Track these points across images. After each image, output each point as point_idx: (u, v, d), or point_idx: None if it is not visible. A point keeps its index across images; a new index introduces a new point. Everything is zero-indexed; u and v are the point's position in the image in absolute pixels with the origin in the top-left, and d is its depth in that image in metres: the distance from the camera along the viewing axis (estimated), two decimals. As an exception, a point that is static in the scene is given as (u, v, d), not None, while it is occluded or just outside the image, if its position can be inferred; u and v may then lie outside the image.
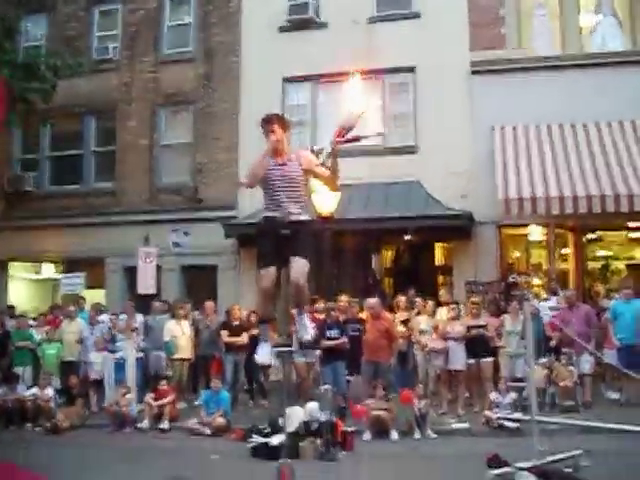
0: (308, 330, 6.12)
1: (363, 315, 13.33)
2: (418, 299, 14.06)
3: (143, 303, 15.01)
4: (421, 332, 13.16)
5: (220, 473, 9.29)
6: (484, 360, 12.51)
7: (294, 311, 6.04)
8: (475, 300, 13.37)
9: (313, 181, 6.63)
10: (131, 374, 13.73)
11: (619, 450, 9.01)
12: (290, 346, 6.36)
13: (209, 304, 14.83)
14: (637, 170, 14.28)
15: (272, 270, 5.75)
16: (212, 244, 17.09)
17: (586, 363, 12.25)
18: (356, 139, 5.95)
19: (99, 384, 14.04)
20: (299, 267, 5.61)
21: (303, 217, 5.87)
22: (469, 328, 12.72)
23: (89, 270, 17.81)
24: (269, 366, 12.38)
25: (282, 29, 18.05)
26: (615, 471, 7.97)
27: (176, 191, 18.03)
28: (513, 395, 11.64)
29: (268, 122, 5.92)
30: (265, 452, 9.67)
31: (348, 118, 5.78)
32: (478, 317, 12.92)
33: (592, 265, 17.53)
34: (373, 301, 12.86)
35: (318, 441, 10.21)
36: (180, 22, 19.31)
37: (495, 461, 8.18)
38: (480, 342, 12.59)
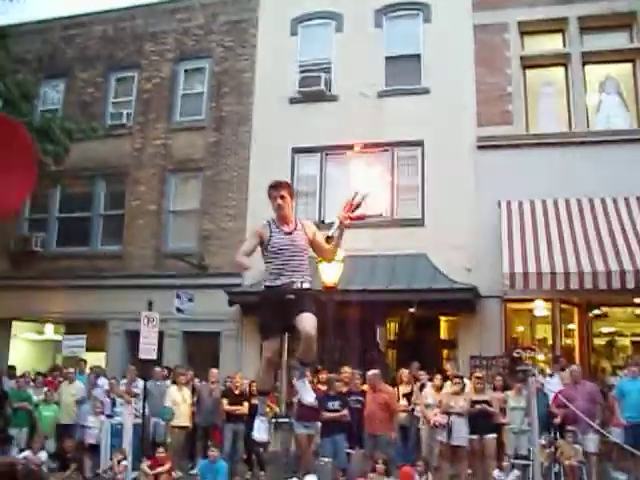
0: (310, 393, 6.04)
1: (365, 387, 13.17)
2: (422, 372, 13.91)
3: (144, 368, 14.88)
4: (427, 406, 12.95)
5: None
6: (487, 436, 12.27)
7: (295, 378, 5.96)
8: (479, 375, 13.19)
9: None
10: (128, 440, 13.50)
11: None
12: (289, 417, 6.27)
13: (213, 371, 14.68)
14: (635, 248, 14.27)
15: (276, 341, 5.70)
16: (215, 311, 17.05)
17: (591, 441, 12.01)
18: (361, 218, 5.95)
19: (95, 449, 13.79)
20: (309, 319, 5.55)
21: (307, 285, 5.83)
22: (473, 403, 12.52)
23: (91, 332, 17.69)
24: (268, 442, 12.23)
25: (293, 100, 18.39)
26: None
27: (182, 257, 18.09)
28: (516, 473, 11.40)
29: (278, 187, 5.94)
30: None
31: (355, 195, 5.79)
32: (482, 392, 12.72)
33: (597, 341, 17.36)
34: (372, 373, 12.77)
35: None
36: (193, 91, 19.73)
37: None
38: (483, 418, 12.36)
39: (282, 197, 5.85)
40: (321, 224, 16.32)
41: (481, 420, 12.32)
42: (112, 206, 19.87)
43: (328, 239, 5.88)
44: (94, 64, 20.46)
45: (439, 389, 13.11)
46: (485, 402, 12.48)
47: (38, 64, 20.58)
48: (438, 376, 13.41)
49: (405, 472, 11.31)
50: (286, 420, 5.91)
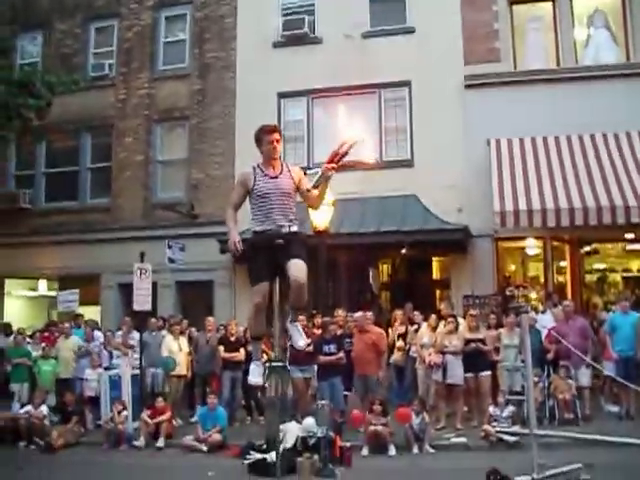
0: (302, 337, 6.06)
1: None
2: (417, 313, 14.00)
3: (139, 320, 14.92)
4: (423, 346, 13.07)
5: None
6: (482, 374, 12.41)
7: (287, 322, 5.96)
8: (473, 313, 13.27)
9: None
10: (127, 391, 13.62)
11: (619, 463, 8.96)
12: (284, 361, 6.30)
13: (210, 319, 14.74)
14: (633, 182, 14.26)
15: (265, 285, 5.68)
16: (208, 260, 17.04)
17: (584, 376, 12.20)
18: (351, 165, 5.90)
19: (95, 401, 13.91)
20: (298, 266, 5.55)
21: (295, 229, 5.81)
22: (467, 342, 12.63)
23: (84, 287, 17.72)
24: (263, 386, 12.35)
25: (277, 44, 18.11)
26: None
27: (171, 207, 18.01)
28: (511, 409, 11.57)
29: (273, 132, 5.88)
30: (262, 469, 9.59)
31: (343, 144, 5.71)
32: (476, 330, 12.82)
33: (589, 278, 17.51)
34: (358, 315, 12.91)
35: (316, 457, 10.12)
36: (175, 38, 19.39)
37: (495, 475, 8.13)
38: (478, 356, 12.49)
39: (278, 141, 5.80)
40: (308, 169, 16.24)
41: (476, 358, 12.46)
42: (99, 159, 19.68)
43: (311, 189, 5.84)
44: (72, 14, 19.99)
45: (434, 329, 13.20)
46: (479, 340, 12.61)
47: (12, 15, 20.10)
48: (433, 316, 13.49)
49: (401, 413, 11.45)
50: (281, 364, 5.88)
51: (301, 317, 12.67)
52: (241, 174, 5.97)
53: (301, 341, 6.07)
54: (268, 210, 5.71)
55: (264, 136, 5.84)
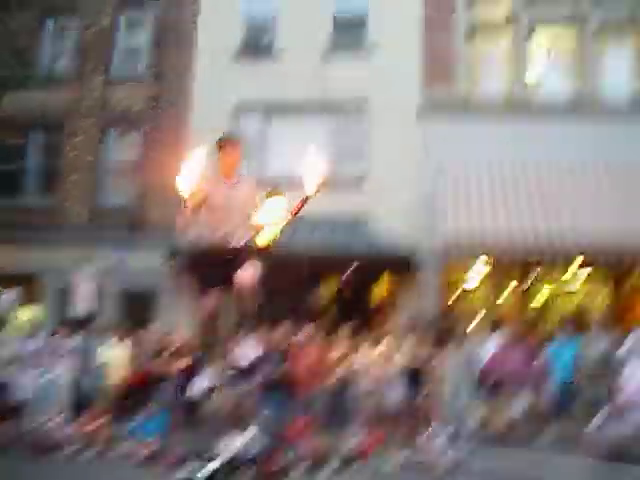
0: (247, 353, 6.01)
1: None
2: (359, 335, 13.98)
3: (79, 325, 14.61)
4: (359, 369, 13.06)
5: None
6: (421, 397, 12.42)
7: (237, 336, 5.89)
8: (415, 336, 13.31)
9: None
10: (62, 396, 13.29)
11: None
12: (230, 375, 6.23)
13: (152, 328, 14.53)
14: (583, 209, 14.58)
15: (214, 296, 5.61)
16: (153, 267, 16.81)
17: (522, 403, 12.31)
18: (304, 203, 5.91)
19: (29, 406, 13.52)
20: (248, 273, 5.51)
21: (248, 241, 5.76)
22: (408, 364, 12.64)
23: (25, 288, 17.31)
24: (205, 397, 12.24)
25: (236, 56, 18.04)
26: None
27: (119, 212, 17.73)
28: (450, 429, 11.60)
29: (228, 142, 5.83)
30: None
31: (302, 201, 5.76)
32: (418, 354, 12.82)
33: (534, 304, 17.74)
34: (301, 334, 12.96)
35: (253, 470, 10.00)
36: (133, 42, 19.17)
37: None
38: (419, 379, 12.49)
39: (232, 152, 5.75)
40: (262, 182, 16.16)
41: (416, 381, 12.47)
42: (48, 158, 19.27)
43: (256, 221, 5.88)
44: (29, 8, 19.61)
45: (371, 349, 13.22)
46: (421, 363, 12.63)
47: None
48: (367, 340, 13.49)
49: (293, 431, 11.46)
50: (228, 377, 5.81)
51: (259, 331, 12.67)
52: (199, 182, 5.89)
53: (245, 359, 6.01)
54: (221, 222, 5.64)
55: (221, 147, 5.80)
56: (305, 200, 5.81)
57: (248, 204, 5.83)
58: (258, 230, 12.14)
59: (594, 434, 10.84)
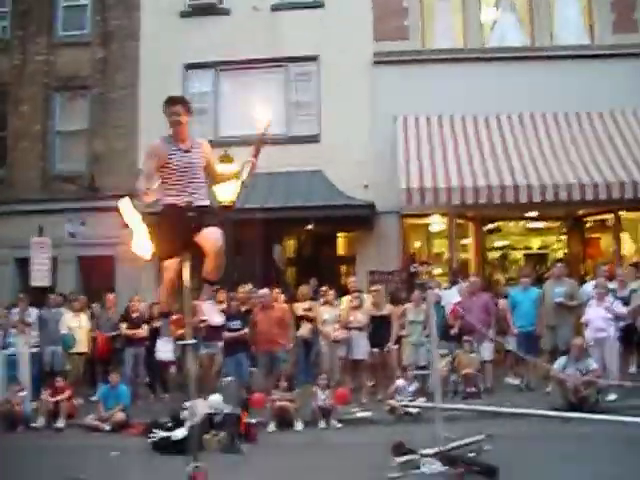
0: (217, 314, 5.94)
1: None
2: (323, 288, 14.01)
3: (37, 296, 14.38)
4: (324, 322, 13.13)
5: (121, 470, 8.95)
6: (387, 349, 12.54)
7: (203, 296, 5.80)
8: (376, 289, 13.39)
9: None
10: (24, 371, 13.12)
11: (520, 434, 9.26)
12: (195, 338, 6.15)
13: (110, 296, 14.37)
14: (535, 161, 14.72)
15: (176, 260, 5.52)
16: (109, 234, 16.52)
17: (486, 350, 12.50)
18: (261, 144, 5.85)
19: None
20: (215, 233, 5.42)
21: (207, 202, 5.66)
22: (372, 318, 12.73)
23: (-22, 262, 16.96)
24: (171, 362, 12.19)
25: (183, 14, 17.64)
26: (516, 454, 8.14)
27: (71, 179, 17.38)
28: (416, 384, 11.73)
29: (173, 104, 5.66)
30: (166, 446, 9.43)
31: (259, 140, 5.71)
32: (380, 306, 12.92)
33: (492, 255, 17.97)
34: (263, 291, 12.87)
35: (222, 434, 10.02)
36: (76, 3, 18.58)
37: (400, 448, 8.21)
38: (383, 331, 12.60)
39: (178, 114, 5.58)
40: (215, 142, 15.96)
41: (381, 333, 12.57)
42: (-7, 127, 18.75)
43: (220, 171, 5.98)
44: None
45: (332, 304, 13.28)
46: (383, 317, 12.71)
47: None
48: (331, 292, 13.53)
49: (340, 394, 11.50)
50: (192, 341, 5.72)
51: (221, 291, 12.58)
52: (152, 146, 5.73)
53: (218, 318, 5.96)
54: (181, 184, 5.53)
55: (165, 108, 5.64)
56: (260, 142, 5.73)
57: (203, 166, 5.70)
58: (218, 189, 12.13)
59: (555, 379, 11.07)
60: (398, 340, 12.88)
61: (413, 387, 11.64)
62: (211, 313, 5.84)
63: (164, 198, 5.61)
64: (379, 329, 12.67)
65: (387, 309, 12.96)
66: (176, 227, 5.48)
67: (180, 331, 5.79)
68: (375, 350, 12.61)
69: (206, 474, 5.19)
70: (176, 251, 5.51)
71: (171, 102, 5.67)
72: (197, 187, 5.59)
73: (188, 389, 6.18)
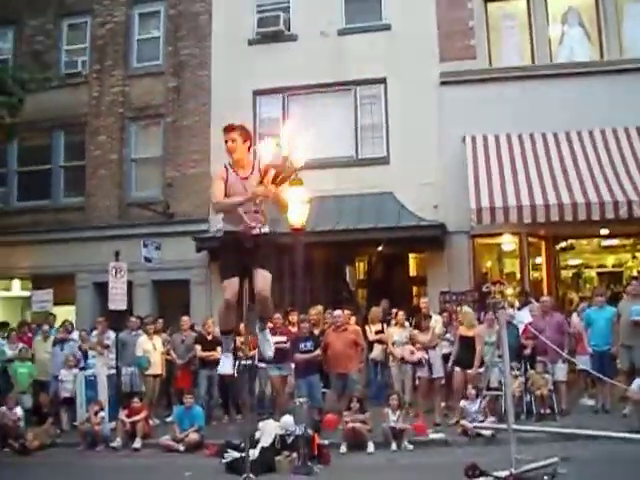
0: (271, 346, 6.02)
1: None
2: (394, 310, 14.01)
3: (114, 319, 14.79)
4: (394, 343, 13.10)
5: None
6: (470, 370, 12.39)
7: (257, 329, 5.91)
8: (468, 310, 13.27)
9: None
10: (103, 391, 13.50)
11: (595, 456, 9.04)
12: (255, 358, 6.30)
13: (185, 319, 14.67)
14: (608, 178, 14.40)
15: (235, 281, 5.63)
16: (184, 258, 16.96)
17: (560, 370, 12.26)
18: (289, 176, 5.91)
19: (70, 402, 13.76)
20: (262, 278, 5.53)
21: (264, 230, 5.75)
22: (462, 338, 12.61)
23: (59, 286, 17.52)
24: (232, 376, 12.32)
25: (252, 42, 18.01)
26: (591, 477, 7.96)
27: (146, 206, 17.87)
28: (481, 401, 11.57)
29: (228, 131, 5.80)
30: (240, 467, 9.52)
31: (275, 158, 5.75)
32: (471, 327, 12.73)
33: (564, 273, 17.63)
34: (338, 312, 12.87)
35: (294, 455, 10.10)
36: (149, 36, 19.22)
37: (473, 470, 8.14)
38: (468, 352, 12.44)
39: (233, 140, 5.71)
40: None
41: (465, 354, 12.45)
42: (72, 157, 19.43)
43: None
44: (44, 10, 19.63)
45: (402, 325, 13.26)
46: (471, 337, 12.58)
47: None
48: (400, 313, 13.49)
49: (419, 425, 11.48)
50: (251, 362, 5.84)
51: (277, 315, 12.70)
52: (218, 171, 5.90)
53: (269, 351, 6.04)
54: (239, 211, 5.65)
55: (223, 135, 5.78)
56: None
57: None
58: (285, 212, 12.30)
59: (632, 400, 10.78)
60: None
61: (476, 406, 11.47)
62: (264, 345, 5.92)
63: (224, 225, 5.75)
64: (466, 350, 12.53)
65: (475, 330, 12.76)
66: (233, 253, 5.60)
67: (252, 352, 5.93)
68: (458, 370, 12.49)
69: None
70: (234, 273, 5.62)
71: (224, 129, 5.82)
72: (255, 214, 5.68)
73: (259, 409, 6.29)
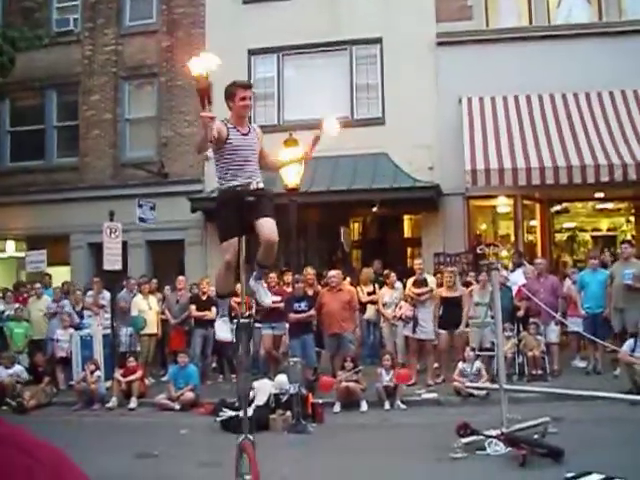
0: (267, 294, 6.03)
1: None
2: (385, 272, 14.08)
3: (109, 279, 14.83)
4: (385, 304, 13.18)
5: (190, 447, 9.23)
6: (457, 331, 12.47)
7: (251, 279, 5.90)
8: (450, 270, 13.25)
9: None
10: (98, 351, 13.59)
11: (586, 417, 9.18)
12: (252, 318, 6.30)
13: (180, 278, 14.73)
14: (604, 141, 14.36)
15: (235, 242, 5.61)
16: (178, 218, 16.94)
17: (553, 332, 12.38)
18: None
19: (66, 362, 13.86)
20: (270, 224, 5.49)
21: (262, 185, 5.74)
22: (444, 299, 12.65)
23: (53, 247, 17.55)
24: (231, 341, 12.37)
25: (247, 0, 17.76)
26: (582, 437, 8.08)
27: (141, 166, 17.79)
28: (479, 364, 11.67)
29: (247, 87, 5.79)
30: (235, 425, 9.60)
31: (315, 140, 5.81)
32: (453, 288, 12.78)
33: (559, 236, 17.69)
34: (333, 273, 12.89)
35: (288, 413, 10.22)
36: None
37: (464, 429, 8.25)
38: (454, 313, 12.50)
39: (250, 97, 5.71)
40: (279, 126, 16.13)
41: (453, 315, 12.51)
42: (66, 117, 19.31)
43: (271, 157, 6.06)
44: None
45: (392, 287, 13.31)
46: (456, 298, 12.63)
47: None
48: (392, 274, 13.54)
49: (402, 375, 11.58)
50: (248, 321, 5.81)
51: (272, 274, 12.75)
52: (216, 124, 5.84)
53: (267, 299, 6.04)
54: (239, 166, 5.61)
55: (237, 91, 5.70)
56: (317, 140, 5.83)
57: (258, 150, 5.80)
58: (281, 172, 12.28)
59: (623, 361, 10.89)
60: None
61: (474, 368, 11.57)
62: (261, 294, 5.93)
63: (221, 182, 5.72)
64: (451, 311, 12.57)
65: (459, 291, 12.86)
66: (234, 211, 5.58)
67: (249, 311, 5.93)
68: (443, 332, 12.58)
69: (254, 445, 5.34)
70: (234, 234, 5.60)
71: (243, 85, 5.79)
72: (253, 170, 5.68)
73: (250, 369, 6.31)
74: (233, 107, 5.69)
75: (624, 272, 12.00)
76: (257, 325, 12.42)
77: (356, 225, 18.62)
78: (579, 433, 8.27)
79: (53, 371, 13.74)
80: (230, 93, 5.72)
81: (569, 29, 15.98)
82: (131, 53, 18.62)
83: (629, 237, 15.98)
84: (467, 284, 13.53)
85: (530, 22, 16.52)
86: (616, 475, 6.51)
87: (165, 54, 18.35)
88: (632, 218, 17.20)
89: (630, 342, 10.85)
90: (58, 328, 14.08)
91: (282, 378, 10.94)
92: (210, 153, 5.76)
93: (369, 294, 14.02)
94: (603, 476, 6.55)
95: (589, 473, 6.64)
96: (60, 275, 16.92)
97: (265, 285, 6.12)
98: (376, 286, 13.94)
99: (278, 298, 12.55)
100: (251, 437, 5.38)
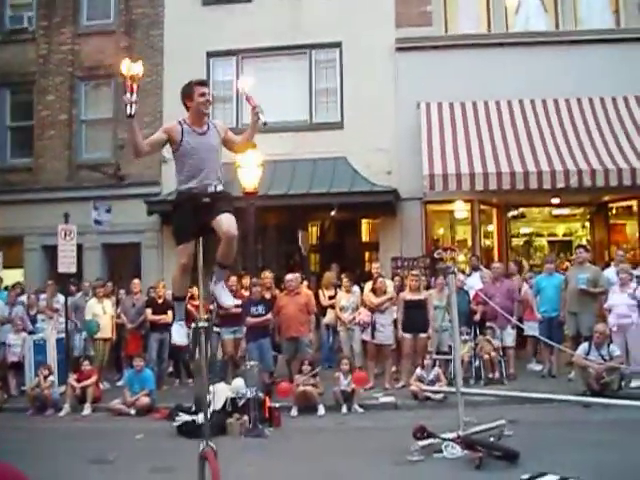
0: (229, 296, 5.96)
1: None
2: (342, 275, 14.07)
3: (63, 283, 14.58)
4: (342, 309, 13.18)
5: (145, 453, 9.10)
6: (421, 335, 12.46)
7: (212, 282, 5.82)
8: (414, 273, 13.26)
9: (238, 156, 6.43)
10: (53, 356, 13.34)
11: (541, 419, 9.28)
12: (210, 322, 6.22)
13: (136, 282, 14.55)
14: (559, 147, 14.58)
15: (191, 245, 5.54)
16: (135, 221, 16.75)
17: (509, 336, 12.49)
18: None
19: (18, 367, 13.57)
20: (228, 219, 5.40)
21: (220, 188, 5.65)
22: (408, 302, 12.64)
23: (7, 249, 17.18)
24: (187, 346, 12.26)
25: (206, 2, 17.65)
26: (537, 439, 8.16)
27: (97, 168, 17.55)
28: (437, 371, 11.70)
29: (205, 85, 5.72)
30: (190, 430, 9.54)
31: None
32: (417, 291, 12.74)
33: (516, 241, 17.90)
34: (291, 276, 12.85)
35: (245, 417, 10.14)
36: (101, -8, 18.71)
37: (421, 432, 8.26)
38: (418, 317, 12.45)
39: (208, 93, 5.64)
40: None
41: (415, 318, 12.51)
42: (20, 117, 18.96)
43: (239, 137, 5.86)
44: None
45: (348, 291, 13.32)
46: (420, 301, 12.63)
47: None
48: (346, 279, 13.54)
49: (359, 377, 11.55)
50: (206, 325, 5.72)
51: (232, 278, 12.68)
52: (167, 125, 5.76)
53: (229, 301, 5.97)
54: (195, 168, 5.53)
55: (195, 89, 5.62)
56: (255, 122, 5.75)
57: (219, 148, 5.72)
58: (238, 174, 12.20)
59: (577, 365, 11.04)
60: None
61: (432, 375, 11.59)
62: (222, 296, 5.86)
63: (178, 184, 5.64)
64: (414, 314, 12.49)
65: (423, 294, 12.83)
66: (190, 213, 5.50)
67: (205, 316, 5.84)
68: (408, 336, 12.53)
69: (215, 453, 5.26)
70: (190, 236, 5.52)
71: (201, 83, 5.71)
72: (211, 171, 5.58)
73: (210, 374, 6.23)
74: (192, 106, 5.61)
75: (578, 277, 12.16)
76: (216, 329, 12.35)
77: (314, 229, 18.61)
78: (534, 435, 8.35)
79: (5, 376, 13.44)
80: (188, 92, 5.64)
81: (527, 36, 16.20)
82: (88, 53, 18.34)
83: (584, 242, 16.22)
84: (425, 288, 13.58)
85: (489, 29, 16.70)
86: (570, 476, 6.58)
87: (123, 54, 18.07)
88: (587, 223, 17.48)
89: (584, 345, 11.00)
90: (10, 332, 13.78)
91: (239, 382, 10.87)
92: (168, 154, 5.67)
93: (330, 298, 14.01)
94: (558, 477, 6.62)
95: (544, 474, 6.71)
96: (13, 278, 16.59)
97: (226, 287, 6.05)
98: (338, 290, 13.94)
99: (239, 302, 12.48)
100: (212, 445, 5.29)
